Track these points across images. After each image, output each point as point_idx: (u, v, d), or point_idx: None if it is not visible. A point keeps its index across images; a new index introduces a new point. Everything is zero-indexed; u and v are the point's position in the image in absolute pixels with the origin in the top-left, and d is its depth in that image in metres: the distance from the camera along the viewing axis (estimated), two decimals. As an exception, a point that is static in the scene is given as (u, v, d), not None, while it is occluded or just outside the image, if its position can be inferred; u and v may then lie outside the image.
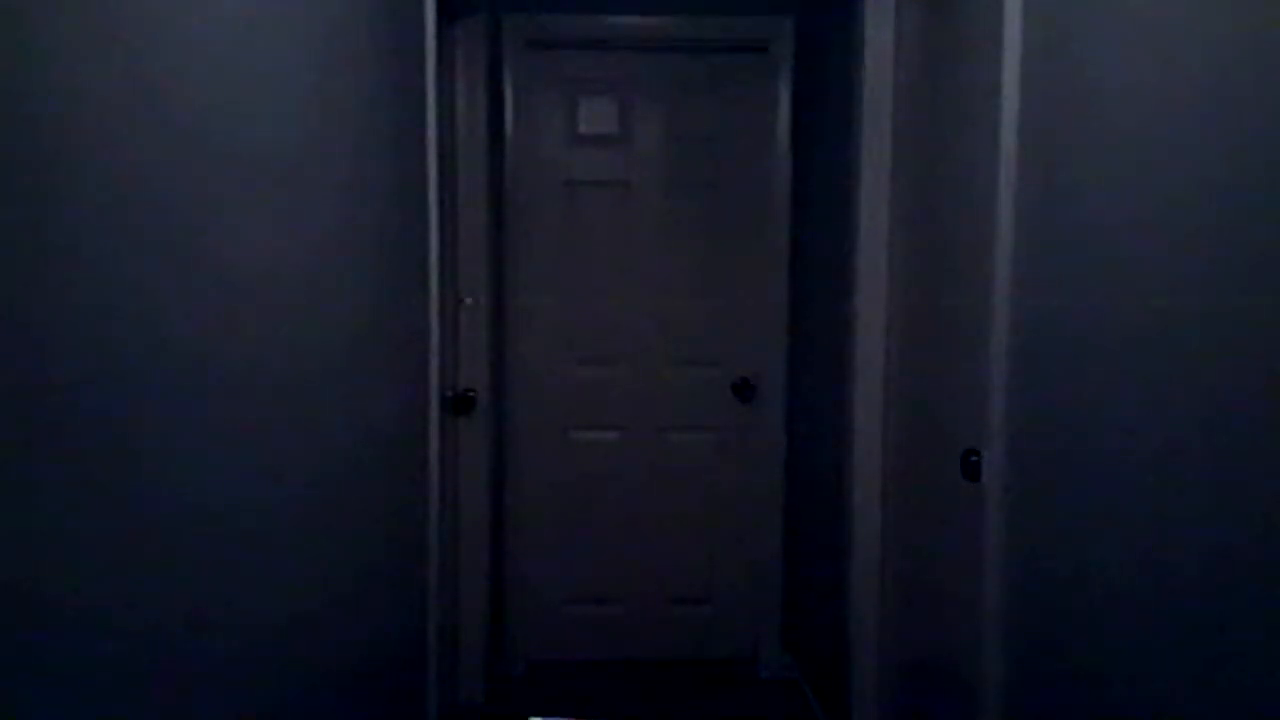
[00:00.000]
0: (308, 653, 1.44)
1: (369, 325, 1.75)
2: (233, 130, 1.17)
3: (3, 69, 0.76)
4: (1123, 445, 1.30)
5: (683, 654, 3.41)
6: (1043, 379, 1.55)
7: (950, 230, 2.05)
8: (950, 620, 2.02)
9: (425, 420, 2.20)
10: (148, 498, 0.97)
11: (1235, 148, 1.08)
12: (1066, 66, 1.48)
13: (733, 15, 3.19)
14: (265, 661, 1.28)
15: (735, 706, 3.08)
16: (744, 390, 3.32)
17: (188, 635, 1.07)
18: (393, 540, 1.94)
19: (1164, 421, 1.20)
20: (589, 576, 3.39)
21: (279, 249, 1.32)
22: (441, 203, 2.41)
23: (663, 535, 3.38)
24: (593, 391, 3.35)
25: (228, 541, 1.16)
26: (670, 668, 3.35)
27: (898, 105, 2.41)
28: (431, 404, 2.24)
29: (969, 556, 1.84)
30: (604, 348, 3.34)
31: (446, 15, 2.67)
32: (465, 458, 2.90)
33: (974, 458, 1.77)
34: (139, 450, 0.95)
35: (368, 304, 1.73)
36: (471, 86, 2.84)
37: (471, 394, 2.84)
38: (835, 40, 2.73)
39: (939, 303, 2.13)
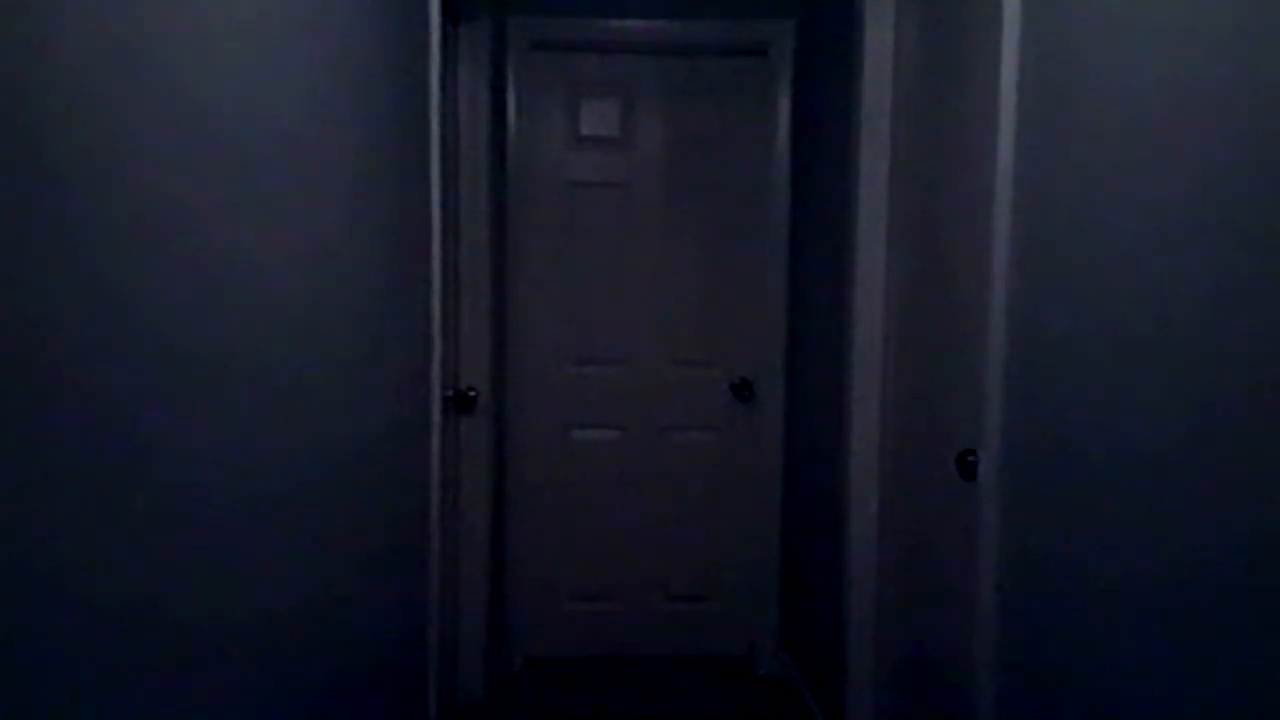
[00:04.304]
0: (309, 649, 1.45)
1: (371, 323, 1.76)
2: (237, 130, 1.18)
3: (7, 71, 0.77)
4: (1118, 446, 1.32)
5: (681, 651, 3.42)
6: (1039, 380, 1.57)
7: (948, 232, 2.07)
8: (946, 618, 2.04)
9: (426, 419, 2.22)
10: (148, 497, 0.98)
11: (1231, 153, 1.10)
12: (1064, 71, 1.50)
13: (733, 19, 3.21)
14: (266, 658, 1.30)
15: (733, 704, 3.10)
16: (743, 390, 3.34)
17: (188, 633, 1.08)
18: (393, 537, 1.95)
19: (1158, 422, 1.22)
20: (589, 574, 3.41)
21: (283, 248, 1.33)
22: (444, 202, 2.43)
23: (662, 533, 3.40)
24: (593, 391, 3.37)
25: (228, 539, 1.17)
26: (669, 665, 3.37)
27: (896, 109, 2.43)
28: (433, 403, 2.25)
29: (965, 555, 1.86)
30: (604, 348, 3.36)
31: (451, 17, 2.69)
32: (466, 457, 2.92)
33: (970, 458, 1.79)
34: (140, 449, 0.97)
35: (370, 302, 1.75)
36: (475, 88, 2.86)
37: (472, 393, 2.86)
38: (835, 44, 2.75)
39: (937, 304, 2.15)
